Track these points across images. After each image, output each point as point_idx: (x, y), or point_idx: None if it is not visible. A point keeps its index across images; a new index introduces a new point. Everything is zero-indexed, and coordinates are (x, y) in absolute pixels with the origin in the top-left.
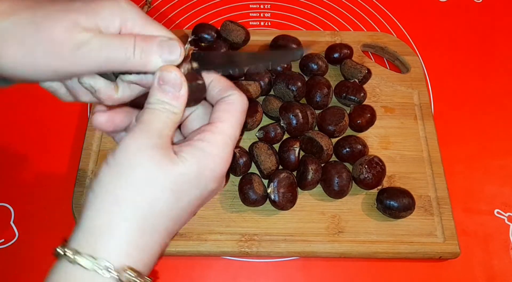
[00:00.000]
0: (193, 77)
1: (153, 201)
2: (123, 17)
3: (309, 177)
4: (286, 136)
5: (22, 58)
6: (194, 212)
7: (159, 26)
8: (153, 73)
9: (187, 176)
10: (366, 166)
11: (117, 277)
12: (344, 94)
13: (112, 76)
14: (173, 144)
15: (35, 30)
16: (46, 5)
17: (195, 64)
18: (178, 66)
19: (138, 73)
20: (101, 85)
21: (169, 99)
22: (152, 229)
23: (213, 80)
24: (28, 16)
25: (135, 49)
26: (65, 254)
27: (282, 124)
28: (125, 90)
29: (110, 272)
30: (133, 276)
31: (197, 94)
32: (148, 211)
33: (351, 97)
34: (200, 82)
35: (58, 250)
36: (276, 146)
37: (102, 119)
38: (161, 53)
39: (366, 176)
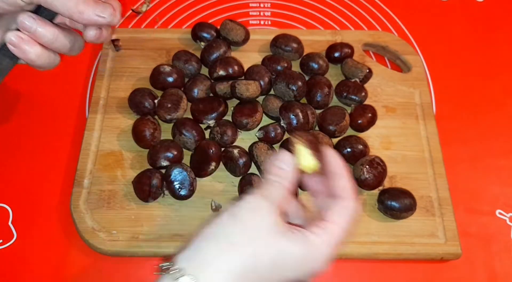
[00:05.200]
0: None
1: (257, 259)
2: None
3: None
4: (286, 136)
5: None
6: None
7: None
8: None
9: (290, 255)
10: (367, 166)
11: None
12: (345, 94)
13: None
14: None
15: None
16: None
17: None
18: None
19: None
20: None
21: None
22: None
23: (337, 174)
24: None
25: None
26: (169, 271)
27: (282, 124)
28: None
29: None
30: None
31: None
32: (250, 265)
33: (352, 96)
34: None
35: (163, 266)
36: (276, 146)
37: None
38: (95, 10)
39: (367, 176)
